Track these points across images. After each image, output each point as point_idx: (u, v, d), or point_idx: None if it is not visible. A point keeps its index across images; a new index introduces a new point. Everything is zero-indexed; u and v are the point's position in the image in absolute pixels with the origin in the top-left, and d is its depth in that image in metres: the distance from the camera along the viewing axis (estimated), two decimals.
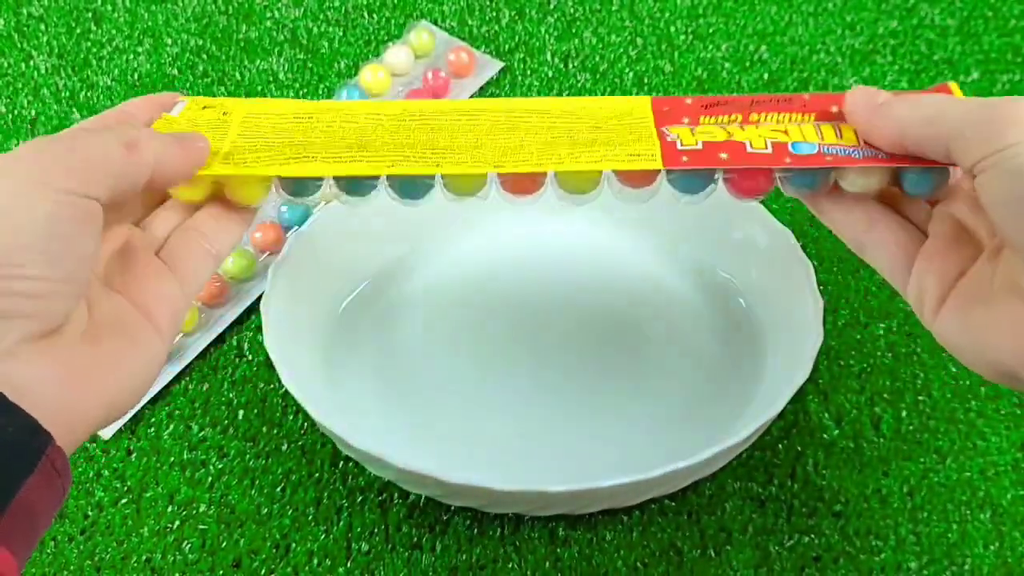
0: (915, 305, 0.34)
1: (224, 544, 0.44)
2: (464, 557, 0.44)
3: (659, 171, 0.35)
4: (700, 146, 0.35)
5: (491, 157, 0.35)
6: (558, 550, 0.44)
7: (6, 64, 0.63)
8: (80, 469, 0.46)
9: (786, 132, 0.36)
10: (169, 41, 0.65)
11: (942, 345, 0.33)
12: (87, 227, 0.28)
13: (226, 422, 0.48)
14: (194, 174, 0.34)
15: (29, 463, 0.26)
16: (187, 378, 0.49)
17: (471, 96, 0.61)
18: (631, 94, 0.62)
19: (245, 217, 0.36)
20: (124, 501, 0.45)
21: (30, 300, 0.27)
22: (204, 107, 0.38)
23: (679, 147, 0.35)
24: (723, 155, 0.35)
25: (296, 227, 0.52)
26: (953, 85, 0.35)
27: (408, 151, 0.36)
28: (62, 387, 0.28)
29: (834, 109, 0.36)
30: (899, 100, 0.33)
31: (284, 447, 0.47)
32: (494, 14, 0.66)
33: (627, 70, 0.63)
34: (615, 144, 0.36)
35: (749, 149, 0.35)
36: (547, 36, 0.65)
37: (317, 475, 0.46)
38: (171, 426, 0.48)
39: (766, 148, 0.35)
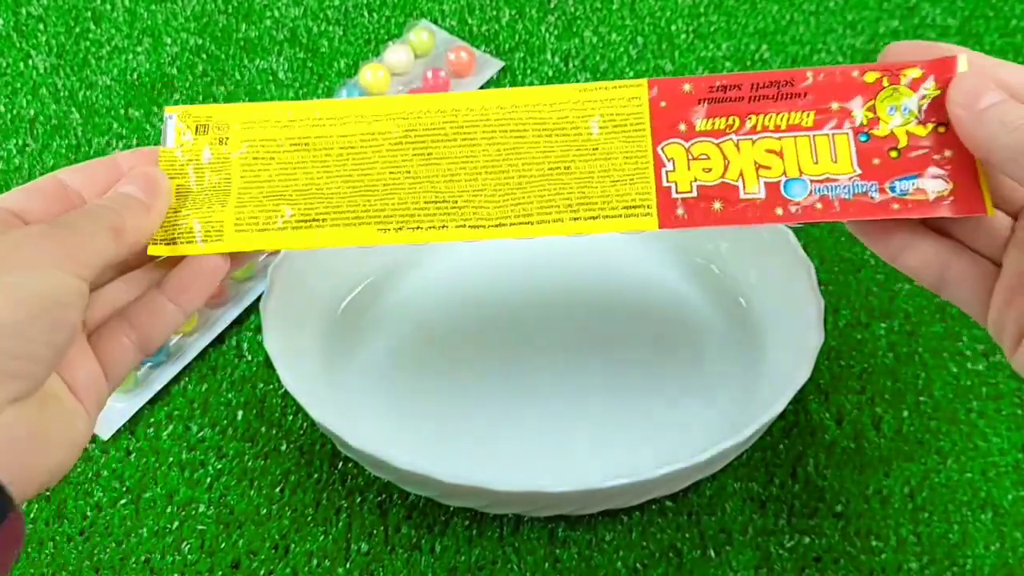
0: (994, 336, 0.34)
1: (223, 545, 0.44)
2: (463, 558, 0.44)
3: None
4: (694, 192, 0.35)
5: (493, 212, 0.35)
6: (557, 551, 0.44)
7: (5, 63, 0.63)
8: (79, 469, 0.46)
9: (781, 152, 0.35)
10: (168, 40, 0.64)
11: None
12: (77, 302, 0.31)
13: (225, 422, 0.48)
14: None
15: None
16: (186, 378, 0.49)
17: None
18: None
19: (183, 313, 0.36)
20: (123, 502, 0.45)
21: (21, 362, 0.29)
22: (198, 127, 0.37)
23: (674, 194, 0.35)
24: (716, 205, 0.35)
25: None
26: (961, 59, 0.34)
27: (411, 201, 0.35)
28: (26, 448, 0.29)
29: (834, 105, 0.35)
30: (997, 114, 0.32)
31: (283, 447, 0.47)
32: (494, 13, 0.66)
33: (628, 69, 0.63)
34: (612, 183, 0.35)
35: (743, 195, 0.35)
36: (547, 35, 0.65)
37: (316, 476, 0.46)
38: (170, 426, 0.48)
39: (758, 192, 0.35)
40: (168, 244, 0.35)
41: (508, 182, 0.36)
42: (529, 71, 0.63)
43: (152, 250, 0.35)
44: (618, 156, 0.36)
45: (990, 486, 0.45)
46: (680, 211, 0.35)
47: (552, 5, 0.66)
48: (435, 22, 0.66)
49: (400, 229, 0.35)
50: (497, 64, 0.63)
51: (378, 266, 0.51)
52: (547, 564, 0.43)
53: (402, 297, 0.51)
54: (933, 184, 0.34)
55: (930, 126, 0.34)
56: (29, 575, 0.43)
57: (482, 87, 0.62)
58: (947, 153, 0.34)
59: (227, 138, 0.37)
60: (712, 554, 0.43)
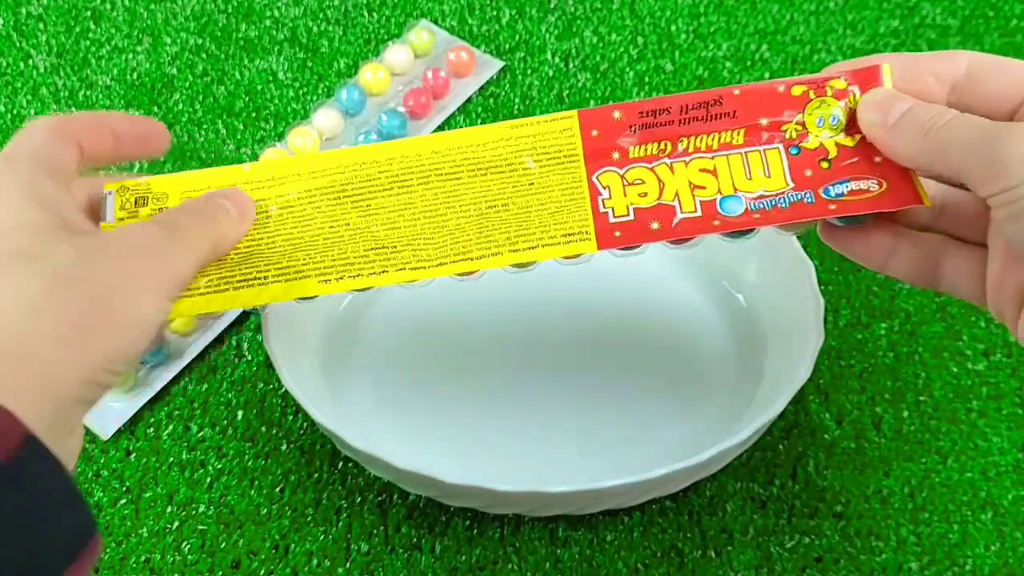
0: (995, 316, 0.34)
1: (223, 545, 0.44)
2: (464, 558, 0.44)
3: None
4: (631, 216, 0.35)
5: (433, 252, 0.35)
6: (558, 551, 0.44)
7: (5, 63, 0.63)
8: (79, 469, 0.46)
9: (715, 171, 0.35)
10: (168, 40, 0.64)
11: None
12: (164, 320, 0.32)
13: (225, 422, 0.48)
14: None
15: (72, 553, 0.27)
16: (186, 378, 0.49)
17: (472, 95, 0.61)
18: (632, 93, 0.62)
19: None
20: (123, 502, 0.45)
21: (119, 378, 0.30)
22: (137, 200, 0.37)
23: (611, 219, 0.35)
24: (654, 225, 0.35)
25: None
26: (885, 69, 0.34)
27: (351, 251, 0.36)
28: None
29: (763, 121, 0.35)
30: (910, 122, 0.32)
31: (283, 447, 0.47)
32: (494, 13, 0.66)
33: (628, 69, 0.63)
34: (550, 214, 0.35)
35: (679, 214, 0.35)
36: (547, 35, 0.65)
37: (316, 476, 0.46)
38: (170, 426, 0.48)
39: (696, 211, 0.35)
40: None
41: (447, 224, 0.36)
42: (529, 71, 0.63)
43: None
44: (555, 189, 0.36)
45: (990, 486, 0.45)
46: (618, 233, 0.35)
47: (552, 5, 0.66)
48: (435, 22, 0.66)
49: (341, 279, 0.35)
50: (497, 64, 0.63)
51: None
52: (548, 564, 0.43)
53: (402, 297, 0.51)
54: (866, 184, 0.34)
55: (858, 136, 0.34)
56: None
57: (482, 87, 0.62)
58: (876, 159, 0.34)
59: (166, 208, 0.37)
60: (713, 554, 0.43)
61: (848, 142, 0.35)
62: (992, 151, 0.29)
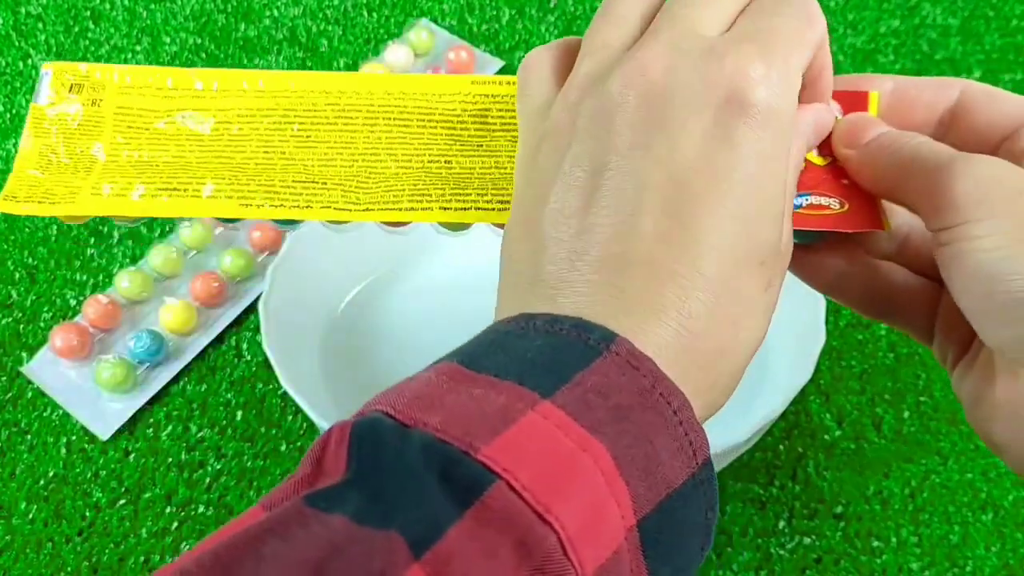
0: (940, 363, 0.32)
1: None
2: None
3: None
4: None
5: (362, 197, 0.34)
6: None
7: (4, 63, 0.63)
8: (77, 470, 0.46)
9: None
10: (167, 40, 0.64)
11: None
12: None
13: (224, 423, 0.48)
14: None
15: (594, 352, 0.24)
16: (185, 378, 0.49)
17: None
18: None
19: None
20: (122, 502, 0.45)
21: None
22: (72, 86, 0.35)
23: None
24: None
25: (295, 227, 0.52)
26: (873, 96, 0.32)
27: (278, 180, 0.34)
28: None
29: None
30: (879, 144, 0.30)
31: (282, 448, 0.47)
32: (494, 12, 0.66)
33: None
34: (491, 180, 0.34)
35: None
36: (547, 35, 0.64)
37: None
38: (169, 427, 0.48)
39: None
40: (19, 202, 0.33)
41: (384, 171, 0.34)
42: None
43: (2, 206, 0.33)
44: (502, 154, 0.34)
45: (991, 487, 0.45)
46: None
47: (552, 5, 0.66)
48: (435, 21, 0.65)
49: (261, 206, 0.33)
50: (497, 63, 0.63)
51: (377, 267, 0.51)
52: None
53: (402, 297, 0.51)
54: (827, 200, 0.32)
55: (830, 158, 0.32)
56: (27, 575, 0.43)
57: None
58: (844, 181, 0.32)
59: (101, 100, 0.35)
60: (713, 555, 0.43)
61: (819, 160, 0.33)
62: (945, 181, 0.26)
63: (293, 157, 0.34)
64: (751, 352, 0.27)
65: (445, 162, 0.35)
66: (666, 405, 0.23)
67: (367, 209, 0.34)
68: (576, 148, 0.27)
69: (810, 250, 0.33)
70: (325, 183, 0.34)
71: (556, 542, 0.20)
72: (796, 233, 0.31)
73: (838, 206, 0.32)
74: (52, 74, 0.35)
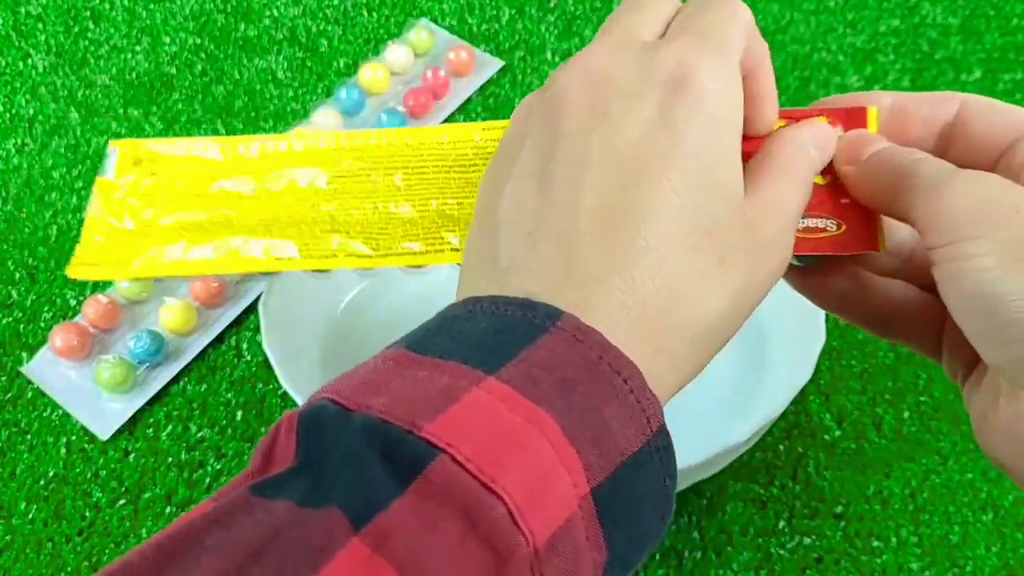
0: (951, 378, 0.31)
1: None
2: None
3: None
4: None
5: (383, 242, 0.37)
6: None
7: (4, 63, 0.63)
8: (77, 470, 0.46)
9: None
10: (167, 40, 0.64)
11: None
12: None
13: (224, 423, 0.48)
14: None
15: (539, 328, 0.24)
16: (185, 378, 0.49)
17: (471, 94, 0.61)
18: None
19: None
20: (122, 502, 0.45)
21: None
22: (134, 162, 0.38)
23: None
24: None
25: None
26: (871, 112, 0.32)
27: (308, 233, 0.37)
28: None
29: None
30: (878, 160, 0.30)
31: None
32: (494, 12, 0.66)
33: None
34: None
35: None
36: (547, 34, 0.64)
37: None
38: (169, 427, 0.48)
39: None
40: (87, 267, 0.36)
41: (402, 215, 0.37)
42: (529, 70, 0.63)
43: (71, 271, 0.35)
44: None
45: (991, 487, 0.45)
46: None
47: (552, 4, 0.66)
48: (435, 21, 0.65)
49: (293, 258, 0.36)
50: (497, 63, 0.63)
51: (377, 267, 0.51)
52: None
53: (401, 298, 0.51)
54: (824, 223, 0.32)
55: (829, 177, 0.32)
56: (27, 575, 0.43)
57: (482, 86, 0.62)
58: (843, 201, 0.32)
59: (156, 172, 0.38)
60: (713, 555, 0.43)
61: (818, 180, 0.33)
62: (939, 199, 0.26)
63: (321, 208, 0.37)
64: (717, 326, 0.27)
65: (457, 204, 0.36)
66: (615, 375, 0.24)
67: (386, 255, 0.36)
68: (529, 142, 0.28)
69: (810, 272, 0.33)
70: (348, 231, 0.37)
71: (505, 512, 0.21)
72: (796, 256, 0.32)
73: (835, 228, 0.32)
74: (119, 153, 0.38)
